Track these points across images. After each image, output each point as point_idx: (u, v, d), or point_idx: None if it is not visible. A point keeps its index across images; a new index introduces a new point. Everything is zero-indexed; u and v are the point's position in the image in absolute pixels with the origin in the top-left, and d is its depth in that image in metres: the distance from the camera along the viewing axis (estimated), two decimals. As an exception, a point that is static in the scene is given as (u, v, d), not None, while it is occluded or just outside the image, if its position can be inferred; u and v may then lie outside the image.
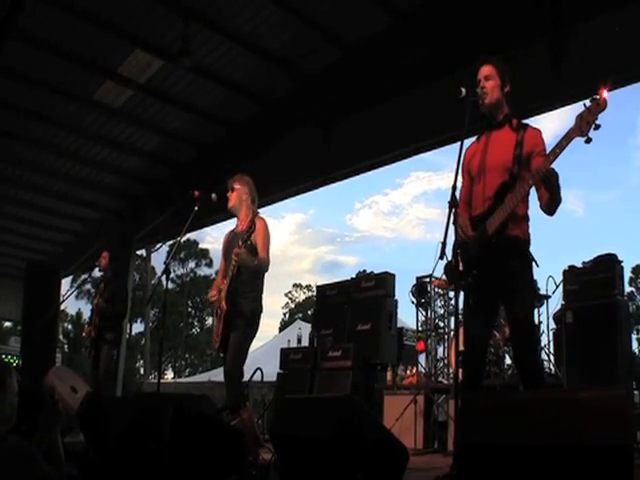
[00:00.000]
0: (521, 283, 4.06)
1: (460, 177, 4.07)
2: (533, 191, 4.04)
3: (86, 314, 43.92)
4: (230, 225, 6.17)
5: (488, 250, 4.01)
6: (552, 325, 8.03)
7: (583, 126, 3.57)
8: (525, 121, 4.34)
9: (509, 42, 6.81)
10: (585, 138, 3.58)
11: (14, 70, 9.23)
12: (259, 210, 6.04)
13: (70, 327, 47.78)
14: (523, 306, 4.08)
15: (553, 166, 3.75)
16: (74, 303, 47.32)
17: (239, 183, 5.97)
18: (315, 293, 10.96)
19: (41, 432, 3.44)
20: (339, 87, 8.90)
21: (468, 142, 4.37)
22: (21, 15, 7.79)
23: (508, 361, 7.59)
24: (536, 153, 4.03)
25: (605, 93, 3.56)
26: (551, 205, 3.96)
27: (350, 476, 3.39)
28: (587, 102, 3.60)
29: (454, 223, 3.87)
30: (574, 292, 7.54)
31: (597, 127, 3.54)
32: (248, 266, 5.50)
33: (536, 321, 7.77)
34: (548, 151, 3.83)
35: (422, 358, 9.28)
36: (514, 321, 4.18)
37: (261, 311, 5.77)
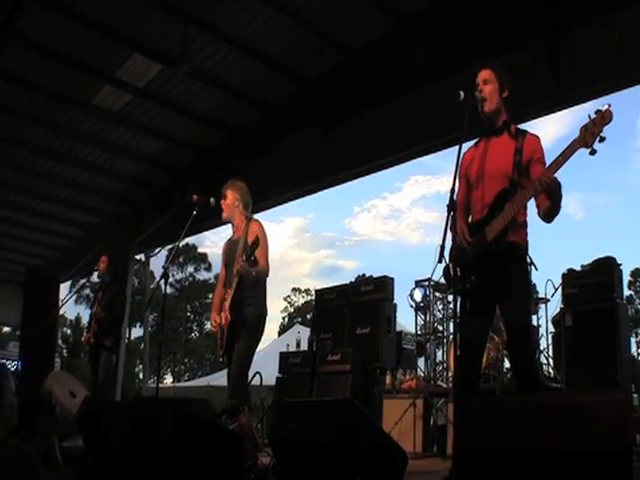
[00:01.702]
0: (517, 289, 4.06)
1: (457, 182, 4.07)
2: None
3: (85, 319, 43.97)
4: (230, 230, 6.19)
5: (486, 256, 4.01)
6: (551, 329, 8.04)
7: (587, 137, 3.57)
8: (524, 125, 4.36)
9: (508, 45, 6.81)
10: (590, 150, 3.58)
11: (12, 74, 9.23)
12: (258, 215, 6.08)
13: (69, 332, 47.73)
14: (519, 312, 4.08)
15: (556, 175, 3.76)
16: (73, 308, 47.25)
17: (230, 189, 6.03)
18: (314, 297, 10.95)
19: (39, 436, 3.43)
20: (338, 91, 8.90)
21: (466, 146, 4.37)
22: (20, 19, 7.81)
23: (507, 364, 7.59)
24: (535, 160, 4.04)
25: (611, 107, 3.57)
26: (551, 214, 3.96)
27: (349, 480, 3.39)
28: (592, 114, 3.60)
29: (451, 228, 3.88)
30: (573, 295, 7.55)
31: (602, 139, 3.55)
32: (248, 278, 5.54)
33: (535, 324, 7.79)
34: (551, 160, 3.83)
35: (421, 362, 9.28)
36: (510, 326, 4.18)
37: (265, 315, 5.84)
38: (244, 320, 5.58)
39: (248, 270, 5.43)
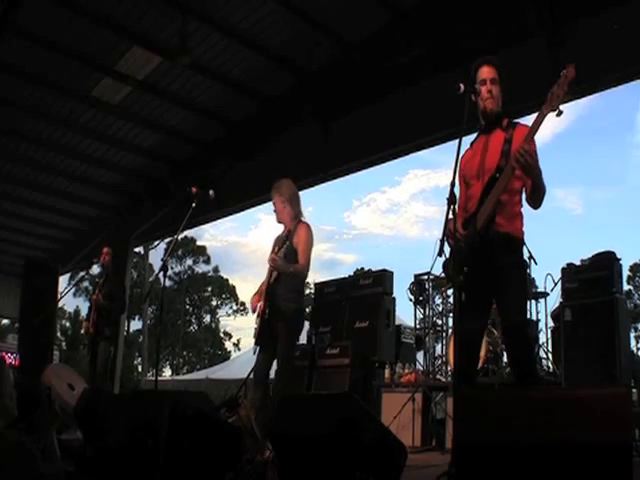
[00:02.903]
0: (513, 282, 4.04)
1: (457, 181, 4.06)
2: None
3: (84, 311, 43.90)
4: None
5: (479, 245, 3.99)
6: (550, 323, 8.04)
7: (554, 101, 3.70)
8: (522, 120, 4.35)
9: (508, 39, 6.80)
10: (557, 112, 3.68)
11: (12, 66, 9.21)
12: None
13: (68, 324, 47.73)
14: (515, 305, 4.05)
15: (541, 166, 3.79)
16: (72, 300, 47.28)
17: (274, 195, 6.02)
18: (313, 290, 10.95)
19: (38, 431, 3.44)
20: (338, 84, 8.89)
21: (466, 139, 4.35)
22: (19, 11, 7.79)
23: (506, 359, 7.59)
24: None
25: (572, 67, 3.70)
26: (534, 194, 3.95)
27: (348, 474, 3.38)
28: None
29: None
30: (572, 290, 7.54)
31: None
32: (284, 273, 5.60)
33: (534, 319, 7.79)
34: (540, 152, 3.87)
35: (420, 356, 9.28)
36: (506, 321, 4.16)
37: (303, 310, 6.00)
38: (283, 315, 5.63)
39: (285, 266, 5.52)
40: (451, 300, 8.21)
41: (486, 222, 3.98)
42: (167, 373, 48.69)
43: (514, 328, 4.04)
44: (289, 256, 5.55)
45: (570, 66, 3.63)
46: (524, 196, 4.06)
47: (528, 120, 4.29)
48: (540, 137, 4.15)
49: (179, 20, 7.97)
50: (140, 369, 42.29)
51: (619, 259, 7.46)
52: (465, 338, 4.05)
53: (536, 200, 3.99)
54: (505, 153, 4.05)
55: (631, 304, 43.39)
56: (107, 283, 8.91)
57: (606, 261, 7.47)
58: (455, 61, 6.89)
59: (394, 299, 9.35)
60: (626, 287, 42.22)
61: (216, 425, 4.04)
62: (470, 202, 4.22)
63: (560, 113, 3.64)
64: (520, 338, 4.08)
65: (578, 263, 7.70)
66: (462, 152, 4.23)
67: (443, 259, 4.07)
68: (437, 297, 9.55)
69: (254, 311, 5.80)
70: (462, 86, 4.03)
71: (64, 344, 43.19)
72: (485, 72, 4.23)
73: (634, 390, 7.28)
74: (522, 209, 4.15)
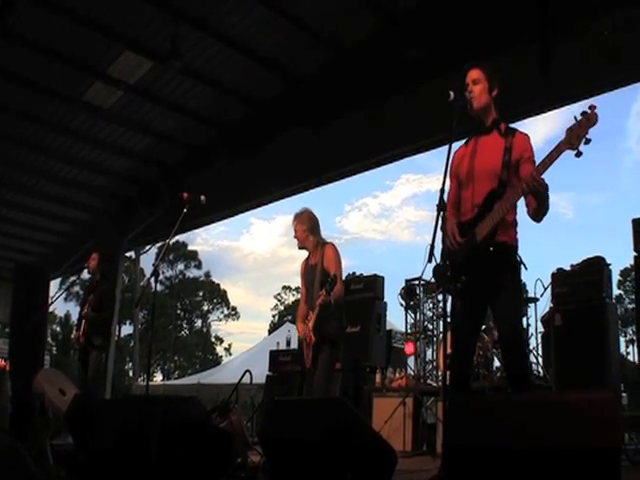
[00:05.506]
0: (509, 288, 4.04)
1: (448, 180, 4.06)
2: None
3: (74, 316, 43.60)
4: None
5: (476, 256, 4.00)
6: (540, 328, 8.07)
7: (573, 139, 3.56)
8: (515, 124, 4.34)
9: (500, 45, 6.83)
10: (575, 152, 3.58)
11: (3, 70, 9.19)
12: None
13: (59, 329, 47.52)
14: (511, 312, 4.06)
15: (543, 176, 3.76)
16: (63, 305, 46.93)
17: (295, 223, 6.23)
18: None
19: (33, 438, 3.44)
20: (329, 89, 8.90)
21: (457, 145, 4.37)
22: (11, 15, 7.79)
23: (497, 363, 7.61)
24: (525, 159, 4.02)
25: (596, 109, 3.58)
26: (538, 213, 3.95)
27: (339, 478, 3.39)
28: (578, 115, 3.59)
29: (442, 228, 3.87)
30: (563, 295, 7.58)
31: (587, 141, 3.53)
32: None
33: (524, 324, 7.81)
34: (538, 160, 3.83)
35: (411, 360, 9.29)
36: (502, 326, 4.18)
37: (345, 327, 6.42)
38: (327, 334, 5.90)
39: (329, 299, 5.70)
40: (441, 305, 8.23)
41: (487, 237, 3.99)
42: (158, 378, 48.55)
43: (510, 335, 4.05)
44: (324, 279, 5.76)
45: (594, 109, 3.59)
46: (525, 209, 4.06)
47: (517, 126, 4.31)
48: (532, 142, 4.17)
49: (171, 25, 7.98)
50: (131, 374, 42.18)
51: (609, 264, 7.49)
52: (459, 344, 4.06)
53: (539, 218, 4.00)
54: (506, 164, 4.04)
55: (622, 309, 43.44)
56: (96, 292, 8.83)
57: (596, 266, 7.51)
58: (447, 67, 6.91)
59: (385, 304, 9.36)
60: (617, 292, 42.28)
61: (207, 430, 4.05)
62: (464, 206, 4.23)
63: (580, 154, 3.57)
64: (515, 345, 4.09)
65: (568, 268, 7.73)
66: (455, 148, 4.25)
67: (433, 265, 4.08)
68: (428, 302, 9.54)
69: (305, 339, 6.03)
70: (452, 94, 4.03)
71: (55, 349, 43.02)
72: (469, 76, 4.25)
73: (624, 394, 7.32)
74: (516, 216, 4.16)
